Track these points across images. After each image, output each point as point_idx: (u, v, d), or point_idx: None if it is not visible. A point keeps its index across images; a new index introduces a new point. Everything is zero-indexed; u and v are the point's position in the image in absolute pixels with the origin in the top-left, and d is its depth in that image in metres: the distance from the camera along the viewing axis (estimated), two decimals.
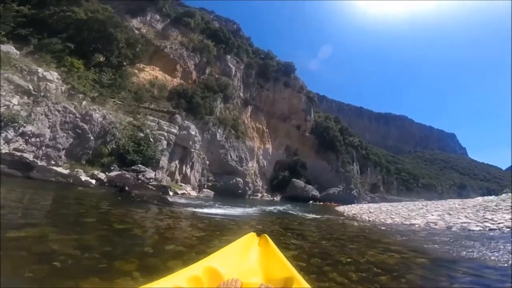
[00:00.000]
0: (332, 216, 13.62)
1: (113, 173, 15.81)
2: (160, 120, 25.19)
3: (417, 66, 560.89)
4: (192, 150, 26.91)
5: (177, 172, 25.16)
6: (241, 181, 35.00)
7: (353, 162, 69.77)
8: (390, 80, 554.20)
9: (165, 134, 23.50)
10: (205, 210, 10.28)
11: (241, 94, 51.22)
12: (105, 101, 21.47)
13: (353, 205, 34.64)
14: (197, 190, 26.75)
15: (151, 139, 20.81)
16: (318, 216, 13.01)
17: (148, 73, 38.11)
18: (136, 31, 38.23)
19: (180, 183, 25.03)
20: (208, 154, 33.77)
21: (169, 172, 24.07)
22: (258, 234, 2.46)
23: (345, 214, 15.94)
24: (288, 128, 58.47)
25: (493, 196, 25.38)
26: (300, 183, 50.88)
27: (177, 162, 25.33)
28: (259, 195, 45.85)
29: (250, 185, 38.02)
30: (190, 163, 27.04)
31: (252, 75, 55.73)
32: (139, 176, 15.80)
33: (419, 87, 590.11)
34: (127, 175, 15.40)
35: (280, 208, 18.13)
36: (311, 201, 47.19)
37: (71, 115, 16.70)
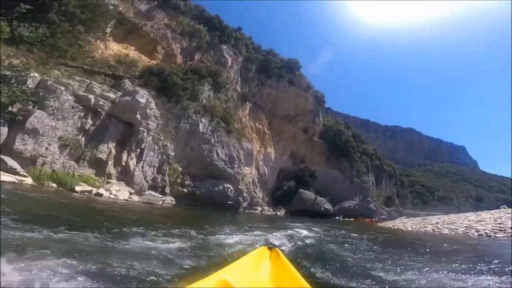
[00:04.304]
0: None
1: None
2: (93, 82, 15.42)
3: (423, 78, 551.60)
4: (141, 129, 16.62)
5: (110, 162, 14.93)
6: (231, 188, 24.31)
7: (368, 173, 58.64)
8: (396, 92, 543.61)
9: (91, 98, 13.59)
10: None
11: (238, 88, 41.48)
12: None
13: (405, 219, 23.91)
14: (147, 191, 16.17)
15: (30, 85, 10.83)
16: None
17: (118, 50, 28.99)
18: (111, 7, 29.63)
19: (108, 180, 14.70)
20: (187, 150, 23.58)
21: (91, 160, 13.88)
22: (269, 248, 2.22)
23: None
24: (293, 130, 48.11)
25: None
26: (309, 194, 40.03)
27: (111, 145, 15.18)
28: (259, 208, 35.12)
29: (245, 195, 27.34)
30: (138, 150, 16.68)
31: (252, 70, 46.17)
32: None
33: (426, 99, 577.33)
34: None
35: (297, 231, 8.17)
36: (338, 217, 38.28)
37: None
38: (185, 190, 21.18)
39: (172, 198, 20.29)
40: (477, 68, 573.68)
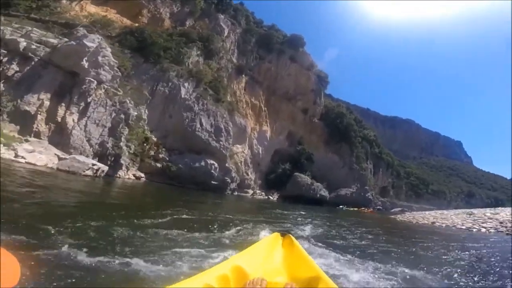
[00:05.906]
0: None
1: None
2: (34, 29, 11.56)
3: (426, 70, 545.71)
4: (88, 79, 12.71)
5: (41, 117, 11.20)
6: (216, 165, 20.69)
7: (367, 160, 55.23)
8: (398, 83, 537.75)
9: (22, 41, 9.85)
10: None
11: (234, 60, 37.26)
12: None
13: (434, 213, 20.32)
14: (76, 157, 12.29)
15: None
16: None
17: (96, 13, 24.52)
18: None
19: (35, 139, 10.98)
20: (164, 118, 19.87)
21: (13, 113, 10.18)
22: (282, 234, 2.10)
23: None
24: (292, 110, 44.18)
25: None
26: (305, 179, 36.68)
27: (44, 96, 11.40)
28: (250, 191, 31.86)
29: (233, 174, 23.80)
30: (82, 103, 12.83)
31: (250, 42, 41.71)
32: None
33: (428, 91, 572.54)
34: None
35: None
36: (342, 206, 35.52)
37: None
38: (158, 164, 17.55)
39: (142, 175, 16.77)
40: (480, 65, 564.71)
